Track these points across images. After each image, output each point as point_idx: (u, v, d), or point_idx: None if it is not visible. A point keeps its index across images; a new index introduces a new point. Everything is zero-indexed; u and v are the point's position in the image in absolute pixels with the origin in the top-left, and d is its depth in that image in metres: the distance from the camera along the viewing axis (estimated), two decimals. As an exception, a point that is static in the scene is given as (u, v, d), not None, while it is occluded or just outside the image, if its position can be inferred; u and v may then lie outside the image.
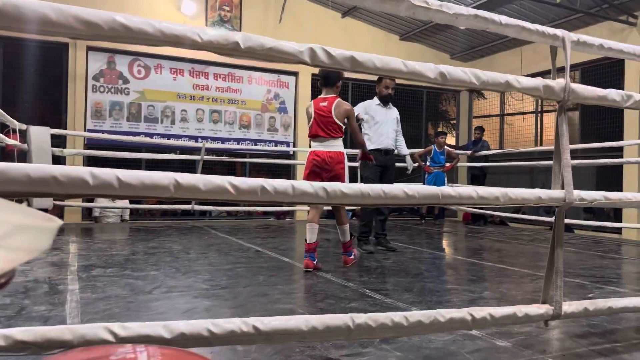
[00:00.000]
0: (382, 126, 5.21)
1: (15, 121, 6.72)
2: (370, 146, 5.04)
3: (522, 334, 2.36)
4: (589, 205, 2.03)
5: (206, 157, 8.58)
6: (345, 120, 4.18)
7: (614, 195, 2.08)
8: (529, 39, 1.96)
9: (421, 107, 11.46)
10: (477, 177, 9.44)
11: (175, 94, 9.50)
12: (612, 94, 2.07)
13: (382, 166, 5.14)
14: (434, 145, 8.53)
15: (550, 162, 2.17)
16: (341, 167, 4.14)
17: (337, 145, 4.16)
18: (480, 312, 1.78)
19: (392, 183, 5.35)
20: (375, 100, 5.32)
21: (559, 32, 1.98)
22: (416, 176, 10.43)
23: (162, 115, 9.43)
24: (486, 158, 9.25)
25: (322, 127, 4.14)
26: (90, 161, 9.02)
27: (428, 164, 8.46)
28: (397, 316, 1.64)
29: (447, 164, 8.43)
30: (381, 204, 1.64)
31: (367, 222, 5.12)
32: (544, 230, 8.26)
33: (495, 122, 11.53)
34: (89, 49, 8.89)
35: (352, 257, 4.29)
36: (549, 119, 10.52)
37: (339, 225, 4.26)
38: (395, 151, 5.42)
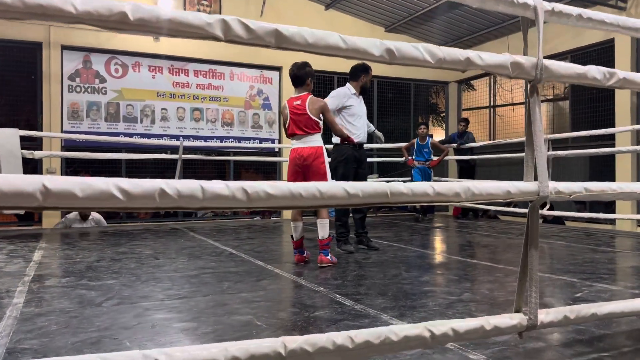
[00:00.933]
0: (357, 119, 4.96)
1: (-19, 124, 6.45)
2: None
3: (498, 344, 2.11)
4: (567, 198, 1.78)
5: (187, 157, 8.32)
6: (321, 115, 4.23)
7: (596, 186, 1.83)
8: (495, 9, 1.71)
9: (409, 100, 11.20)
10: (465, 170, 9.21)
11: (155, 93, 9.22)
12: (592, 71, 1.82)
13: (357, 160, 4.90)
14: (417, 139, 8.20)
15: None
16: (321, 162, 4.16)
17: (315, 141, 4.19)
18: (440, 327, 1.53)
19: (365, 179, 5.13)
20: (351, 89, 5.00)
21: (530, 0, 1.72)
22: (407, 170, 10.15)
23: (142, 114, 9.15)
24: (472, 150, 9.01)
25: (298, 125, 4.18)
26: (70, 164, 8.77)
27: (413, 157, 8.17)
28: (340, 337, 1.39)
29: (435, 158, 8.17)
30: (317, 205, 1.39)
31: (344, 222, 4.87)
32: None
33: (485, 113, 11.30)
34: (64, 47, 8.60)
35: (329, 257, 4.07)
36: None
37: (317, 218, 4.13)
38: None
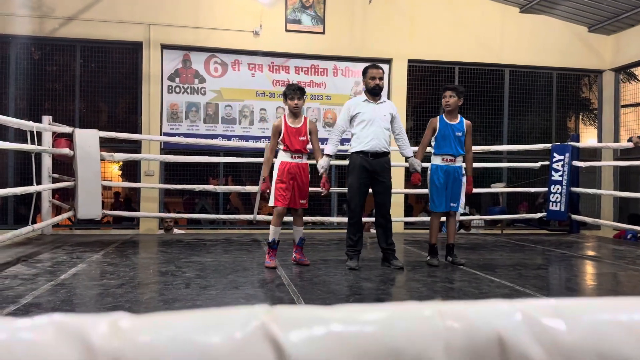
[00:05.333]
0: (366, 126, 4.53)
1: (63, 125, 6.26)
2: (355, 148, 4.58)
3: None
4: None
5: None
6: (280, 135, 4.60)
7: None
8: None
9: (550, 93, 9.28)
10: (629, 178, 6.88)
11: (254, 92, 8.61)
12: None
13: (370, 171, 4.48)
14: (440, 116, 4.73)
15: None
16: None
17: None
18: None
19: (389, 191, 4.56)
20: (362, 96, 4.70)
21: None
22: (542, 177, 8.30)
23: (240, 115, 8.59)
24: None
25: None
26: (168, 167, 8.47)
27: (432, 146, 4.74)
28: None
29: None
30: None
31: (354, 230, 4.40)
32: None
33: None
34: (164, 47, 8.34)
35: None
36: None
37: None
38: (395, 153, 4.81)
